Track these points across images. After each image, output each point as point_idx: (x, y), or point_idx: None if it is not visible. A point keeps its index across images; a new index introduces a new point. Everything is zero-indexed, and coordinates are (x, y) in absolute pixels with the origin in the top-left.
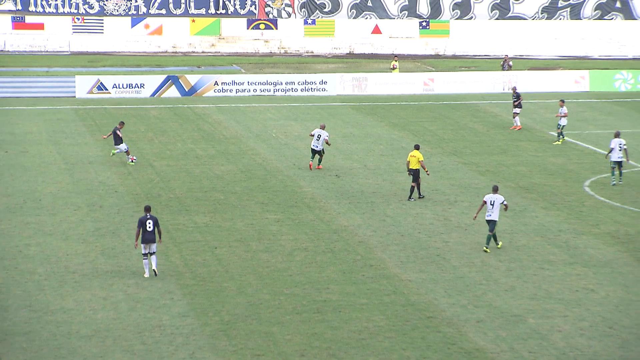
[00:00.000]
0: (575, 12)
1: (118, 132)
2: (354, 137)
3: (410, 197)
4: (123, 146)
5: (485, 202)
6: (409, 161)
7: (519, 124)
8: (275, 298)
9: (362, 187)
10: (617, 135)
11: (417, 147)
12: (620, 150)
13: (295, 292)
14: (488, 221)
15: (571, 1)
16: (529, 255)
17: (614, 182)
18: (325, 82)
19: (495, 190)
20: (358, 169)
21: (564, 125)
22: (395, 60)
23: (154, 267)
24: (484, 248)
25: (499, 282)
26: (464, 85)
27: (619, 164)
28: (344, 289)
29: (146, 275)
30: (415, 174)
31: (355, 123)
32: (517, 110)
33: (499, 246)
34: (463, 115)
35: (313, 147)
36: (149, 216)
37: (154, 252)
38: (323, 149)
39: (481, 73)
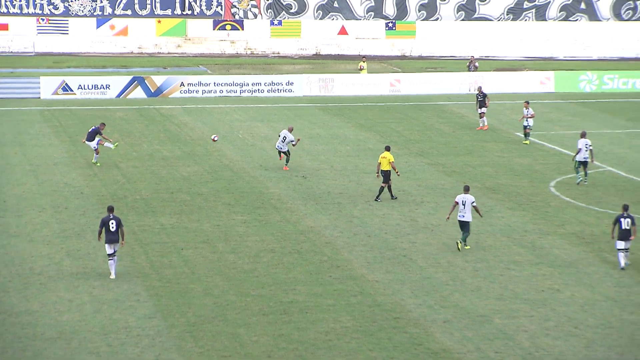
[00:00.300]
0: (541, 14)
1: (101, 132)
2: (321, 138)
3: (377, 198)
4: (94, 144)
5: (457, 203)
6: (379, 162)
7: (486, 124)
8: (241, 299)
9: (329, 188)
10: (583, 135)
11: (387, 149)
12: (586, 150)
13: (262, 293)
14: (462, 222)
15: (536, 2)
16: (495, 255)
17: (580, 180)
18: (292, 83)
19: (466, 190)
20: (325, 169)
21: (531, 126)
22: (363, 61)
23: (113, 275)
24: (457, 241)
25: (466, 283)
26: (430, 86)
27: (585, 163)
28: (311, 290)
29: (112, 276)
30: (386, 176)
31: (322, 124)
32: (484, 110)
33: (467, 247)
34: (429, 116)
35: (277, 148)
36: (111, 216)
37: (115, 252)
38: (289, 150)
39: (447, 74)
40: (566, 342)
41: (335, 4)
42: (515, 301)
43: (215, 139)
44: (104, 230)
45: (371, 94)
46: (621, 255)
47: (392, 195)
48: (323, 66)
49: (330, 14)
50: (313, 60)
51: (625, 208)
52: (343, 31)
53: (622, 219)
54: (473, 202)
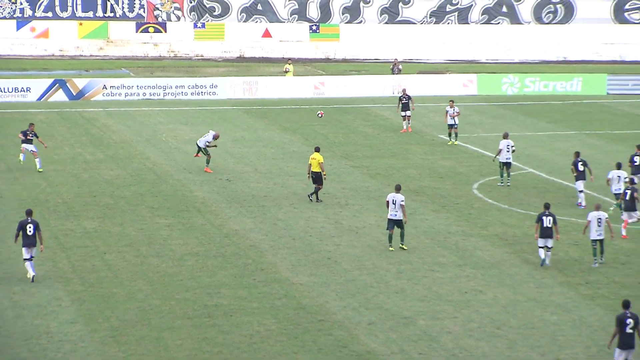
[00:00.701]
0: (463, 17)
1: (29, 134)
2: (245, 140)
3: (310, 195)
4: (31, 147)
5: (388, 202)
6: (310, 164)
7: (410, 126)
8: (165, 303)
9: (254, 190)
10: (505, 136)
11: (317, 150)
12: (508, 151)
13: (186, 297)
14: (394, 220)
15: (459, 6)
16: (419, 257)
17: (502, 183)
18: (216, 86)
19: (397, 189)
20: (249, 172)
21: (457, 125)
22: (289, 64)
23: (32, 273)
24: (400, 245)
25: (390, 285)
26: (354, 89)
27: (507, 165)
28: (235, 293)
29: (31, 274)
30: (317, 177)
31: (246, 127)
32: (409, 112)
33: (391, 249)
34: (354, 118)
35: (196, 143)
36: (29, 220)
37: (33, 257)
38: (207, 149)
39: (371, 77)
40: (489, 343)
41: (259, 7)
42: (439, 302)
43: (321, 115)
44: (21, 233)
45: (295, 97)
46: (541, 251)
47: (317, 198)
48: (247, 69)
49: (254, 16)
50: (237, 63)
51: (547, 207)
52: (267, 34)
53: (544, 217)
54: (402, 200)
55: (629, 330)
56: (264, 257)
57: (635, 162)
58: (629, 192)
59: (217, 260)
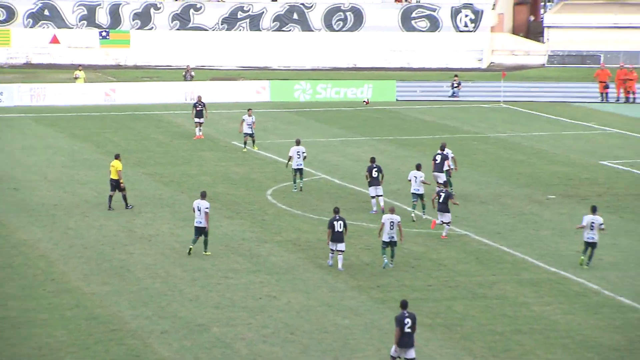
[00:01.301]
0: (255, 24)
1: None
2: (33, 149)
3: (127, 205)
4: None
5: (194, 209)
6: (110, 171)
7: (202, 133)
8: None
9: (43, 199)
10: (297, 143)
11: (117, 157)
12: (299, 157)
13: None
14: (198, 228)
15: (250, 12)
16: (213, 264)
17: (295, 189)
18: (2, 93)
19: (202, 196)
20: (38, 181)
21: (254, 134)
22: (79, 70)
23: None
24: (204, 252)
25: (184, 292)
26: (146, 96)
27: (299, 171)
28: (23, 304)
29: None
30: (116, 184)
31: (35, 135)
32: (202, 119)
33: (190, 248)
34: (146, 125)
35: None
36: None
37: None
38: None
39: (163, 83)
40: (283, 348)
41: (46, 12)
42: (233, 309)
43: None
44: None
45: (86, 104)
46: (331, 255)
47: (109, 206)
48: (35, 75)
49: (41, 22)
50: (24, 69)
51: (336, 211)
52: (55, 40)
53: (335, 222)
54: (207, 208)
55: (407, 330)
56: (54, 267)
57: (437, 160)
58: (442, 195)
59: (4, 272)
